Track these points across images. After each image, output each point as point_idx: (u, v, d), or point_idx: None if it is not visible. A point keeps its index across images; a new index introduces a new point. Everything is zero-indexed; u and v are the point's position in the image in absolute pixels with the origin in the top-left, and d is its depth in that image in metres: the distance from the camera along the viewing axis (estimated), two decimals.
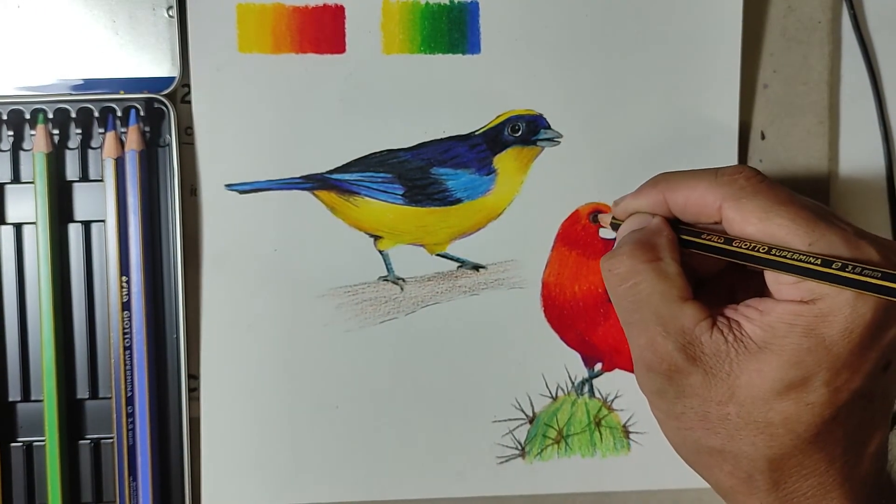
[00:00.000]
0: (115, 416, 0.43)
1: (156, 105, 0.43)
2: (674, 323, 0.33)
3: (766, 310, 0.32)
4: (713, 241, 0.34)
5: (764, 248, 0.32)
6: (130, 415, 0.43)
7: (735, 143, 0.45)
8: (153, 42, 0.43)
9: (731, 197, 0.33)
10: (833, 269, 0.31)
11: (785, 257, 0.32)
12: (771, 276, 0.33)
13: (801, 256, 0.31)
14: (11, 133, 0.43)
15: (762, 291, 0.34)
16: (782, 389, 0.32)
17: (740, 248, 0.33)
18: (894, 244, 0.33)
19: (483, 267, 0.45)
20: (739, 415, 0.33)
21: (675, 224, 0.36)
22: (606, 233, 0.45)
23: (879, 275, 0.30)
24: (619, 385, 0.45)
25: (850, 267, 0.30)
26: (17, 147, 0.43)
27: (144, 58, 0.43)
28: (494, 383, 0.45)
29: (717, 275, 0.37)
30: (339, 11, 0.43)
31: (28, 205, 0.43)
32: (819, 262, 0.31)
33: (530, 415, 0.45)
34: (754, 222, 0.33)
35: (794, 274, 0.31)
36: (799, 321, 0.31)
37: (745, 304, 0.33)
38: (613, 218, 0.39)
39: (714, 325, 0.33)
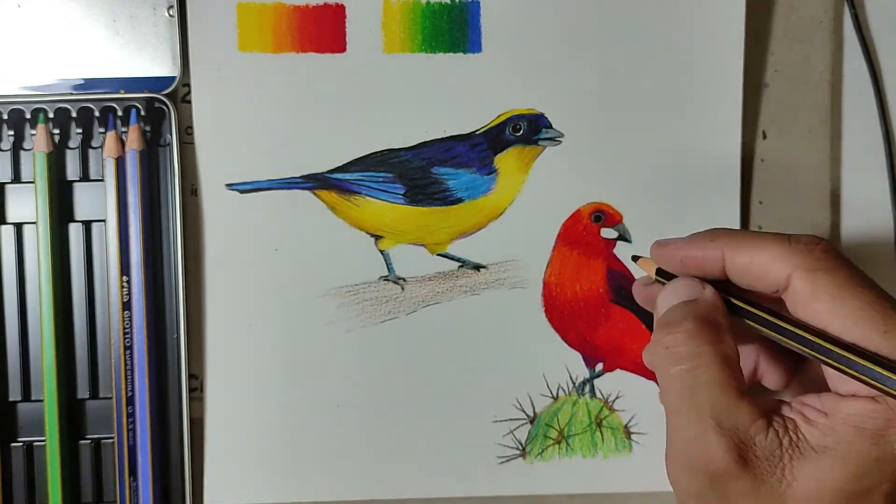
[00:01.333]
0: (115, 415, 0.43)
1: (156, 105, 0.43)
2: (730, 419, 0.30)
3: (829, 410, 0.29)
4: (775, 320, 0.31)
5: (835, 339, 0.29)
6: (131, 415, 0.43)
7: (738, 142, 0.45)
8: (154, 42, 0.43)
9: (806, 267, 0.30)
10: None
11: (853, 353, 0.28)
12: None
13: (875, 357, 0.28)
14: (12, 132, 0.43)
15: (812, 374, 0.32)
16: (842, 501, 0.29)
17: (807, 333, 0.30)
18: None
19: (484, 267, 0.45)
20: None
21: (723, 291, 0.33)
22: (608, 233, 0.44)
23: None
24: (620, 385, 0.45)
25: None
26: (17, 146, 0.43)
27: (145, 57, 0.43)
28: (495, 383, 0.45)
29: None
30: (340, 10, 0.43)
31: (28, 204, 0.43)
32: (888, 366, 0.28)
33: (531, 415, 0.45)
34: (826, 299, 0.29)
35: (859, 378, 0.28)
36: (867, 424, 0.28)
37: (802, 402, 0.30)
38: (644, 260, 0.35)
39: (770, 426, 0.30)
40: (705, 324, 0.31)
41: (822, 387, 0.31)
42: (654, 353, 0.32)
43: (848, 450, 0.28)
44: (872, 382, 0.28)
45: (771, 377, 0.35)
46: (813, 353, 0.30)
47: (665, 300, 0.33)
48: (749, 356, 0.35)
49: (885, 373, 0.28)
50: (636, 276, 0.44)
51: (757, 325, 0.32)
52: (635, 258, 0.37)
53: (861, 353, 0.28)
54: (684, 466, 0.31)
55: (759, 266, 0.31)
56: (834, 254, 0.30)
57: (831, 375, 0.30)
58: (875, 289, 0.30)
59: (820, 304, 0.30)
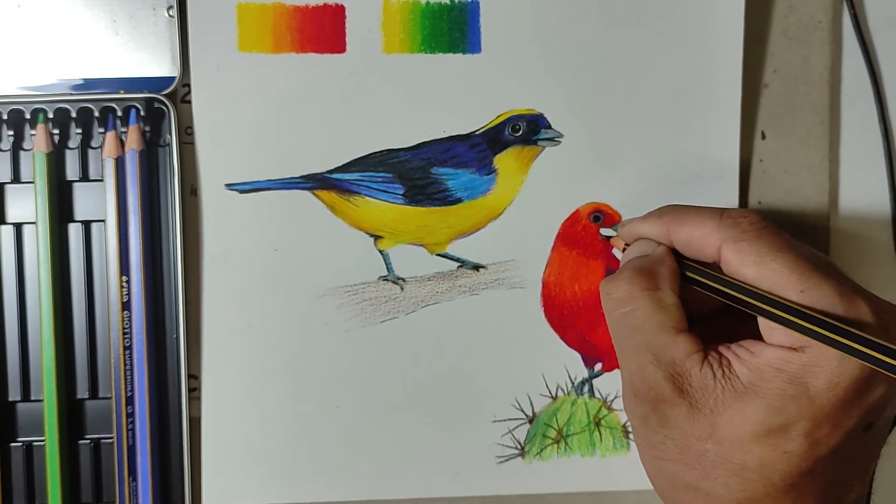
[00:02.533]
0: (115, 415, 0.43)
1: (156, 105, 0.43)
2: (665, 353, 0.33)
3: (756, 352, 0.33)
4: (712, 281, 0.34)
5: (758, 294, 0.33)
6: (130, 415, 0.43)
7: (737, 142, 0.45)
8: (153, 42, 0.43)
9: (732, 239, 0.34)
10: (817, 327, 0.31)
11: (775, 306, 0.32)
12: (763, 321, 0.33)
13: (792, 307, 0.32)
14: (11, 133, 0.43)
15: (757, 335, 0.34)
16: (762, 433, 0.32)
17: (736, 291, 0.33)
18: (891, 306, 0.33)
19: (483, 267, 0.45)
20: (717, 453, 0.33)
21: (679, 257, 0.36)
22: (607, 232, 0.45)
23: (863, 339, 0.30)
24: (619, 385, 0.45)
25: (836, 328, 0.30)
26: (17, 147, 0.43)
27: (145, 57, 0.43)
28: (494, 383, 0.45)
29: (715, 314, 0.37)
30: (340, 11, 0.43)
31: (28, 204, 0.43)
32: (807, 316, 0.31)
33: (530, 414, 0.45)
34: (750, 265, 0.33)
35: (782, 324, 0.32)
36: (785, 367, 0.32)
37: (738, 344, 0.34)
38: (614, 238, 0.40)
39: (705, 360, 0.33)
40: (642, 272, 0.35)
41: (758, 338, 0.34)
42: (602, 301, 0.36)
43: (768, 387, 0.32)
44: (792, 320, 0.32)
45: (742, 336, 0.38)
46: (747, 307, 0.33)
47: (624, 259, 0.38)
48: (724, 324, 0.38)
49: (800, 322, 0.31)
50: None
51: (700, 288, 0.35)
52: (608, 237, 0.43)
53: (784, 306, 0.32)
54: (631, 394, 0.35)
55: (697, 240, 0.35)
56: (759, 224, 0.34)
57: (764, 329, 0.33)
58: (795, 252, 0.33)
59: (746, 269, 0.33)
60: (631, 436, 0.45)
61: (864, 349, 0.30)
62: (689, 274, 0.36)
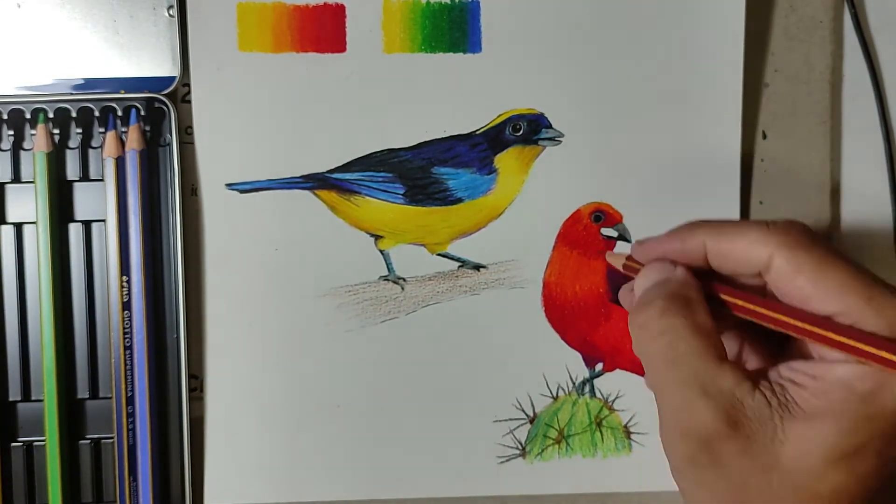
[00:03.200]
0: (115, 415, 0.43)
1: (156, 104, 0.43)
2: (714, 384, 0.31)
3: (819, 374, 0.30)
4: (749, 303, 0.32)
5: (808, 318, 0.30)
6: (131, 415, 0.43)
7: (738, 142, 0.45)
8: (153, 41, 0.43)
9: (786, 246, 0.31)
10: (877, 349, 0.29)
11: (831, 332, 0.30)
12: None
13: (849, 330, 0.29)
14: (12, 132, 0.43)
15: (783, 342, 0.32)
16: (835, 458, 0.30)
17: (780, 313, 0.31)
18: None
19: (484, 267, 0.45)
20: (783, 484, 0.30)
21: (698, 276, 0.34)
22: (608, 232, 0.45)
23: None
24: (620, 385, 0.45)
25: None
26: (17, 146, 0.43)
27: (145, 57, 0.43)
28: (495, 383, 0.45)
29: (730, 328, 0.35)
30: (340, 10, 0.43)
31: (28, 204, 0.43)
32: (864, 337, 0.29)
33: (531, 415, 0.45)
34: (808, 272, 0.31)
35: (835, 348, 0.30)
36: (858, 385, 0.30)
37: (790, 367, 0.31)
38: (628, 259, 0.36)
39: (756, 388, 0.31)
40: (675, 298, 0.32)
41: (808, 359, 0.32)
42: (632, 335, 0.33)
43: (840, 409, 0.29)
44: (856, 346, 0.29)
45: (753, 360, 0.36)
46: (793, 329, 0.31)
47: (640, 285, 0.34)
48: (731, 342, 0.36)
49: (861, 345, 0.29)
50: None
51: (733, 310, 0.33)
52: (602, 252, 0.40)
53: (835, 326, 0.30)
54: (676, 434, 0.32)
55: (741, 250, 0.32)
56: (811, 234, 0.32)
57: (817, 347, 0.31)
58: (854, 264, 0.31)
59: (803, 277, 0.31)
60: (633, 436, 0.45)
61: None
62: (721, 296, 0.33)
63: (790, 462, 0.30)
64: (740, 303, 0.33)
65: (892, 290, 0.30)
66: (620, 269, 0.36)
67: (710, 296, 0.33)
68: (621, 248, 0.45)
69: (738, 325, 0.35)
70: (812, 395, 0.30)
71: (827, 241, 0.33)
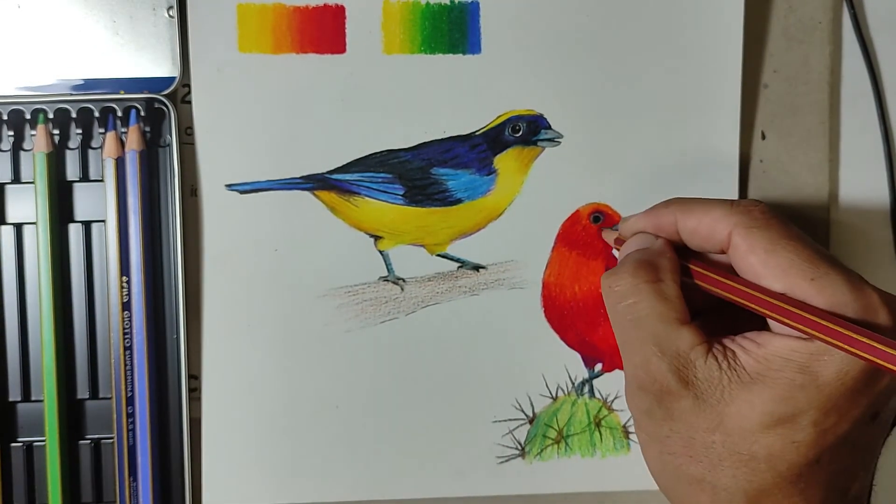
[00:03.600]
0: (115, 416, 0.43)
1: (156, 105, 0.43)
2: (669, 344, 0.33)
3: (763, 342, 0.32)
4: (716, 275, 0.34)
5: (763, 292, 0.32)
6: (131, 415, 0.43)
7: (736, 142, 0.45)
8: (153, 42, 0.43)
9: (743, 225, 0.33)
10: (828, 323, 0.30)
11: (787, 306, 0.32)
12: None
13: (799, 304, 0.31)
14: (12, 133, 0.43)
15: (761, 327, 0.34)
16: (770, 423, 0.32)
17: (740, 285, 0.33)
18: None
19: (483, 267, 0.45)
20: (724, 444, 0.32)
21: (679, 251, 0.36)
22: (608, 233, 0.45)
23: (871, 338, 0.30)
24: (619, 385, 0.45)
25: (844, 327, 0.30)
26: (17, 147, 0.43)
27: (145, 58, 0.43)
28: (494, 383, 0.45)
29: (715, 309, 0.37)
30: (340, 11, 0.43)
31: (28, 205, 0.43)
32: (816, 313, 0.31)
33: (530, 415, 0.45)
34: (759, 252, 0.33)
35: (788, 324, 0.31)
36: (795, 357, 0.32)
37: (743, 336, 0.33)
38: (618, 236, 0.39)
39: (709, 351, 0.33)
40: (644, 264, 0.35)
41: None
42: (603, 295, 0.36)
43: (777, 376, 0.32)
44: (796, 326, 0.31)
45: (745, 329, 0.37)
46: (751, 304, 0.33)
47: (624, 252, 0.38)
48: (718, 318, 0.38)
49: (807, 315, 0.31)
50: None
51: (703, 283, 0.35)
52: (602, 230, 0.43)
53: (789, 301, 0.32)
54: (635, 388, 0.35)
55: (706, 227, 0.35)
56: (769, 214, 0.34)
57: (772, 323, 0.33)
58: (805, 241, 0.33)
59: (754, 256, 0.33)
60: (632, 436, 0.45)
61: (872, 350, 0.30)
62: (690, 266, 0.36)
63: (731, 423, 0.32)
64: (705, 274, 0.35)
65: (836, 269, 0.32)
66: (612, 245, 0.40)
67: (687, 270, 0.36)
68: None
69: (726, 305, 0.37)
70: (755, 360, 0.32)
71: (787, 221, 0.34)
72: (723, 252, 0.35)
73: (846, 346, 0.30)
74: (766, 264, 0.33)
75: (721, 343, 0.33)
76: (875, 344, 0.29)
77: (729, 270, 0.35)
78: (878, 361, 0.29)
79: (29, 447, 0.44)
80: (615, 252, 0.42)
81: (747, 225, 0.33)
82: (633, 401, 0.35)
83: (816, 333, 0.31)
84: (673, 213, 0.36)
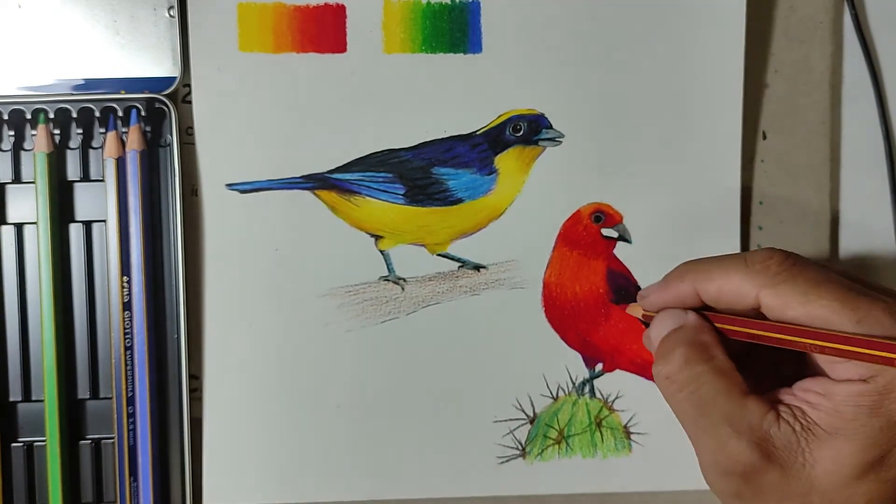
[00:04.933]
0: (115, 416, 0.43)
1: (157, 105, 0.43)
2: (742, 421, 0.32)
3: (827, 392, 0.32)
4: (756, 330, 0.33)
5: (808, 333, 0.32)
6: (131, 415, 0.43)
7: (738, 141, 0.45)
8: (154, 42, 0.43)
9: (769, 284, 0.33)
10: (883, 352, 0.30)
11: (833, 340, 0.31)
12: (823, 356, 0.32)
13: (851, 337, 0.31)
14: (12, 133, 0.43)
15: (806, 362, 0.33)
16: (861, 473, 0.31)
17: (786, 333, 0.32)
18: None
19: (484, 267, 0.45)
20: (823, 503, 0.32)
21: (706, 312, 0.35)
22: (608, 233, 0.45)
23: None
24: (620, 385, 0.45)
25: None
26: (18, 147, 0.43)
27: (145, 58, 0.43)
28: (495, 383, 0.45)
29: (747, 350, 0.36)
30: (341, 11, 0.43)
31: (29, 205, 0.43)
32: (868, 343, 0.30)
33: (531, 415, 0.45)
34: (796, 307, 0.32)
35: (844, 357, 0.31)
36: (864, 401, 0.31)
37: (802, 388, 0.33)
38: (644, 312, 0.38)
39: (779, 417, 0.32)
40: (694, 346, 0.34)
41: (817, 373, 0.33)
42: (659, 386, 0.35)
43: (854, 426, 0.31)
44: (864, 352, 0.31)
45: (769, 383, 0.36)
46: (802, 346, 0.32)
47: (656, 333, 0.36)
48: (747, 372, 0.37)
49: (862, 350, 0.30)
50: (636, 277, 0.44)
51: (743, 338, 0.34)
52: (625, 307, 0.42)
53: (842, 338, 0.31)
54: (717, 474, 0.33)
55: (729, 294, 0.34)
56: (789, 262, 0.33)
57: (826, 364, 0.32)
58: (838, 283, 0.32)
59: (792, 311, 0.32)
60: (633, 437, 0.45)
61: None
62: (730, 328, 0.35)
63: (823, 483, 0.32)
64: (740, 330, 0.34)
65: (877, 304, 0.31)
66: (641, 319, 0.38)
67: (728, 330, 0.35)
68: (621, 248, 0.45)
69: (748, 354, 0.36)
70: (827, 415, 0.31)
71: (806, 261, 0.33)
72: (755, 310, 0.34)
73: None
74: (807, 317, 0.32)
75: (785, 403, 0.33)
76: None
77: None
78: None
79: (29, 447, 0.44)
80: (648, 344, 0.38)
81: (772, 283, 0.32)
82: (717, 486, 0.34)
83: (867, 351, 0.30)
84: (691, 284, 0.35)
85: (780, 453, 0.32)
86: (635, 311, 0.39)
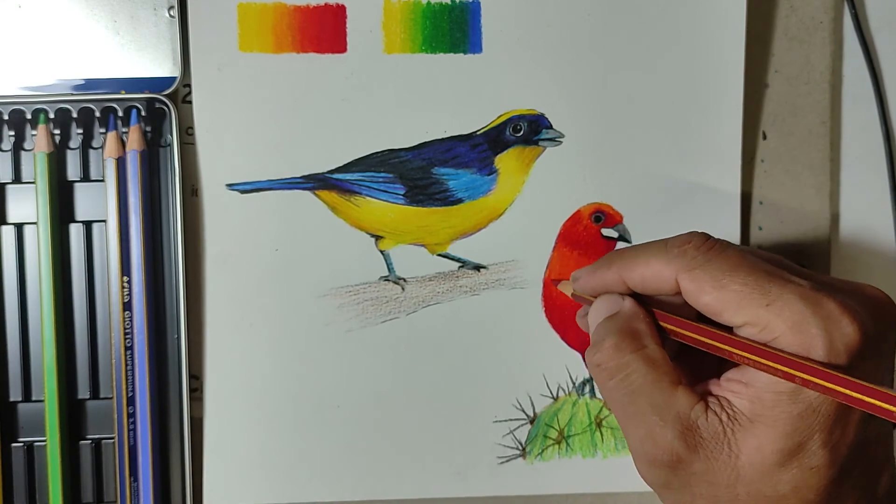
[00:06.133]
0: (116, 416, 0.43)
1: (157, 105, 0.43)
2: (669, 410, 0.32)
3: (749, 381, 0.32)
4: (684, 329, 0.34)
5: (732, 340, 0.32)
6: (131, 415, 0.43)
7: (738, 141, 0.45)
8: (154, 42, 0.43)
9: (685, 268, 0.33)
10: (788, 368, 0.30)
11: (750, 351, 0.31)
12: None
13: (765, 350, 0.31)
14: (13, 133, 0.43)
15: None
16: (784, 460, 0.31)
17: (707, 337, 0.33)
18: (858, 289, 0.33)
19: (484, 267, 0.45)
20: (749, 494, 0.32)
21: (644, 300, 0.35)
22: (609, 233, 0.45)
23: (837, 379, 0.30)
24: None
25: (813, 370, 0.30)
26: (18, 147, 0.43)
27: (145, 58, 0.43)
28: (495, 383, 0.45)
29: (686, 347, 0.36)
30: (341, 11, 0.43)
31: (29, 205, 0.43)
32: (777, 358, 0.31)
33: (531, 415, 0.45)
34: (709, 291, 0.32)
35: (757, 368, 0.31)
36: (783, 388, 0.31)
37: (728, 378, 0.33)
38: (574, 292, 0.38)
39: (707, 408, 0.32)
40: (626, 334, 0.34)
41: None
42: (591, 372, 0.35)
43: (774, 413, 0.31)
44: (764, 364, 0.31)
45: (704, 373, 0.37)
46: (718, 351, 0.32)
47: (593, 318, 0.36)
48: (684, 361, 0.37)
49: (765, 362, 0.31)
50: None
51: (671, 331, 0.34)
52: (555, 282, 0.42)
53: (751, 348, 0.31)
54: (645, 463, 0.33)
55: (651, 279, 0.34)
56: (706, 247, 0.33)
57: None
58: (748, 266, 0.32)
59: (706, 296, 0.32)
60: None
61: (832, 389, 0.30)
62: (662, 324, 0.35)
63: (748, 472, 0.32)
64: (673, 328, 0.34)
65: (789, 287, 0.31)
66: (571, 296, 0.38)
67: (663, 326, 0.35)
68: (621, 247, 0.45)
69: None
70: (749, 402, 0.32)
71: (726, 245, 0.33)
72: (678, 295, 0.34)
73: (814, 381, 0.30)
74: (720, 301, 0.32)
75: (713, 394, 0.33)
76: (835, 386, 0.29)
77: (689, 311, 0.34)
78: (842, 392, 0.29)
79: (30, 447, 0.44)
80: (583, 325, 0.39)
81: (688, 267, 0.33)
82: (647, 476, 0.34)
83: (782, 368, 0.30)
84: (617, 273, 0.35)
85: (706, 443, 0.32)
86: (566, 287, 0.39)
